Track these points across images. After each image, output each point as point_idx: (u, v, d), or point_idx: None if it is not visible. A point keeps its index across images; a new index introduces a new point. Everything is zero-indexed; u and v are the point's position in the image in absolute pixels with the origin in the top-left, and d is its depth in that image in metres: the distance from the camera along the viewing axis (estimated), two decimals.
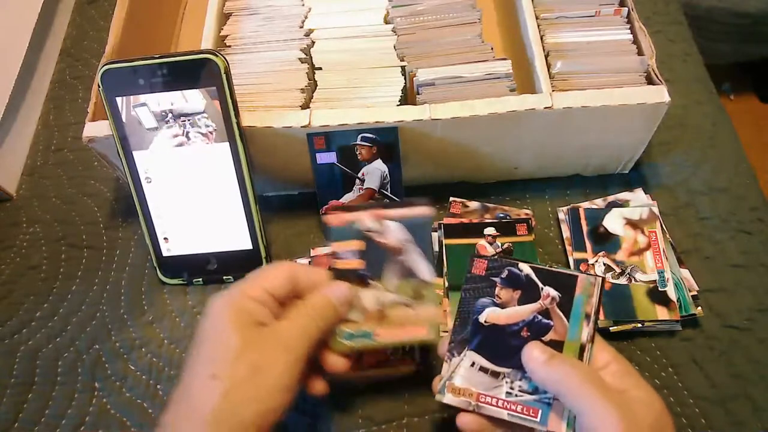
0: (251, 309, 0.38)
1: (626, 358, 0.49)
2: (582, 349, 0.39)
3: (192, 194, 0.52)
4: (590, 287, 0.41)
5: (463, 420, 0.40)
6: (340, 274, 0.44)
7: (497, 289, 0.42)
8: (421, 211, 0.45)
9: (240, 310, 0.38)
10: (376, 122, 0.50)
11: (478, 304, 0.41)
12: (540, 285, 0.41)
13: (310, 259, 0.54)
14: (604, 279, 0.41)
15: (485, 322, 0.41)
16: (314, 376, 0.42)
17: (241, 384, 0.35)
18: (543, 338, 0.40)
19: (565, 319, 0.40)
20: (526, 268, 0.42)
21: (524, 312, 0.41)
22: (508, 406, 0.39)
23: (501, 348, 0.40)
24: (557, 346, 0.39)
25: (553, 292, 0.41)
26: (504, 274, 0.42)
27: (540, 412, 0.39)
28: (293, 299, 0.41)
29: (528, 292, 0.41)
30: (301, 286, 0.41)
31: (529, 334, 0.40)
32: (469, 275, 0.42)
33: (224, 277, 0.54)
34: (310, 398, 0.49)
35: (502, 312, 0.41)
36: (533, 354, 0.39)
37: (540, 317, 0.40)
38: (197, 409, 0.35)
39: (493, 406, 0.39)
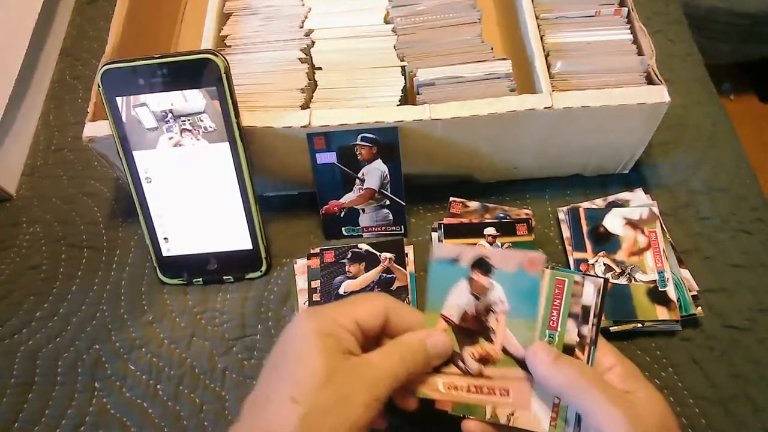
0: (340, 336, 0.36)
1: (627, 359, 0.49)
2: (565, 343, 0.40)
3: (192, 194, 0.52)
4: (572, 285, 0.41)
5: (468, 427, 0.40)
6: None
7: (347, 266, 0.52)
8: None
9: (328, 336, 0.36)
10: (376, 122, 0.50)
11: (335, 281, 0.51)
12: (378, 253, 0.52)
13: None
14: (606, 281, 0.41)
15: (344, 292, 0.51)
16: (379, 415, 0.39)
17: (321, 413, 0.33)
18: (391, 288, 0.50)
19: (403, 269, 0.51)
20: (364, 246, 0.52)
21: (371, 275, 0.51)
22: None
23: None
24: (404, 290, 0.50)
25: (389, 255, 0.52)
26: (349, 255, 0.52)
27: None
28: (382, 336, 0.39)
29: (370, 262, 0.52)
30: (393, 323, 0.39)
31: (380, 288, 0.51)
32: (322, 265, 0.52)
33: (224, 277, 0.54)
34: None
35: (354, 281, 0.51)
36: (538, 355, 0.39)
37: (384, 275, 0.51)
38: (272, 430, 0.33)
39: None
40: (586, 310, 0.41)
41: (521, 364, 0.40)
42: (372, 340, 0.39)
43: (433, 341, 0.39)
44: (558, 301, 0.41)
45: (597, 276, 0.42)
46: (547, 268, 0.42)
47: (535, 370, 0.39)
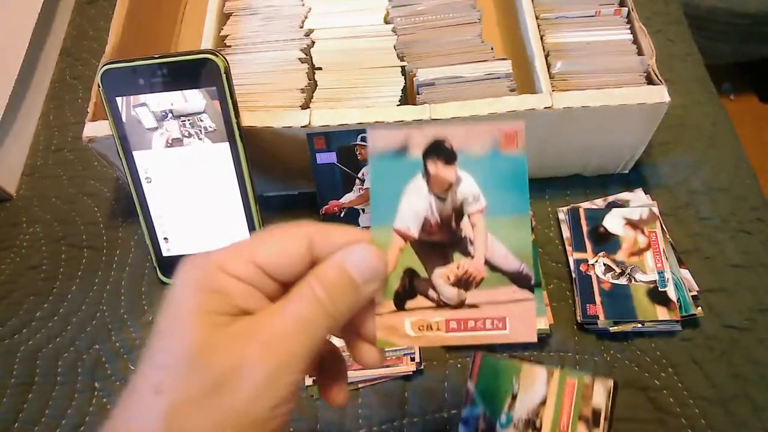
0: (228, 290, 0.26)
1: (626, 360, 0.49)
2: None
3: (192, 194, 0.52)
4: (582, 388, 0.41)
5: None
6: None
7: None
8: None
9: (210, 293, 0.26)
10: (376, 122, 0.50)
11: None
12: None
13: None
14: (616, 384, 0.41)
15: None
16: (335, 381, 0.30)
17: (195, 405, 0.24)
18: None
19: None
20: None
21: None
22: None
23: None
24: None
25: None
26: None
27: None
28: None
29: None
30: (323, 256, 0.27)
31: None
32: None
33: None
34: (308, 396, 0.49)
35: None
36: None
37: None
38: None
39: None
40: (596, 413, 0.40)
41: (516, 278, 0.30)
42: (293, 280, 0.27)
43: (356, 261, 0.27)
44: (568, 404, 0.39)
45: (606, 378, 0.42)
46: (556, 368, 0.41)
47: None
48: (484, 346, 0.44)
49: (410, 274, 0.30)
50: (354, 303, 0.27)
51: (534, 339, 0.29)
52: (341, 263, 0.27)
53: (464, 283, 0.30)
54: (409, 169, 0.30)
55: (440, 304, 0.30)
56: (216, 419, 0.24)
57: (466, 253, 0.30)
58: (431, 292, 0.30)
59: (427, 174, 0.30)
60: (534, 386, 0.40)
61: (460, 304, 0.30)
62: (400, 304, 0.30)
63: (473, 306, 0.30)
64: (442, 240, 0.30)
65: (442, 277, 0.30)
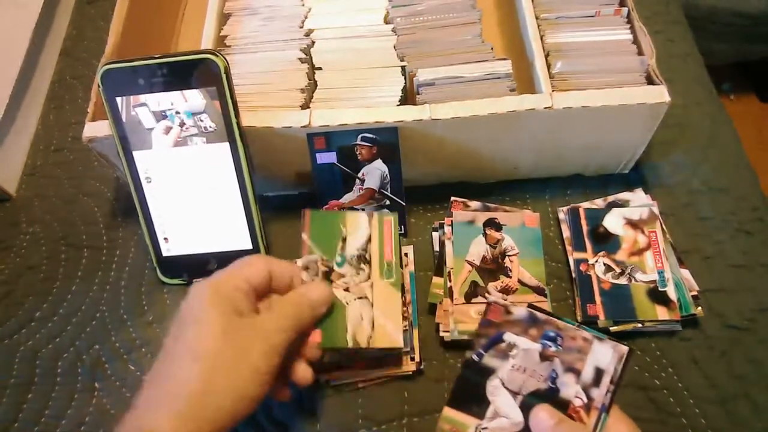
0: (234, 297, 0.39)
1: None
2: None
3: (192, 194, 0.52)
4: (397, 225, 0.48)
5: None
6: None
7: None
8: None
9: (224, 298, 0.39)
10: (376, 122, 0.50)
11: None
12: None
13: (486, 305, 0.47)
14: (631, 351, 0.41)
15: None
16: (281, 385, 0.43)
17: (222, 369, 0.36)
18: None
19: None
20: None
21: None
22: None
23: None
24: None
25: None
26: None
27: None
28: (268, 293, 0.43)
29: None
30: (276, 277, 0.43)
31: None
32: None
33: None
34: (308, 396, 0.49)
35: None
36: (540, 416, 0.39)
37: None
38: (175, 391, 0.35)
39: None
40: (599, 372, 0.41)
41: (535, 290, 0.50)
42: (262, 297, 0.42)
43: (312, 293, 0.43)
44: (388, 236, 0.48)
45: (619, 343, 0.42)
46: (374, 211, 0.49)
47: (535, 430, 0.40)
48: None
49: (474, 284, 0.51)
50: (311, 318, 0.43)
51: None
52: (305, 293, 0.43)
53: (506, 290, 0.51)
54: (476, 231, 0.53)
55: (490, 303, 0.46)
56: (234, 379, 0.36)
57: (507, 276, 0.51)
58: (486, 295, 0.50)
59: (485, 234, 0.53)
60: (359, 229, 0.48)
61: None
62: (468, 300, 0.50)
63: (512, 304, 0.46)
64: (493, 268, 0.52)
65: (493, 287, 0.51)
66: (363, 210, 0.54)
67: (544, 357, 0.42)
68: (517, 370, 0.42)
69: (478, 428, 0.40)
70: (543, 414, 0.39)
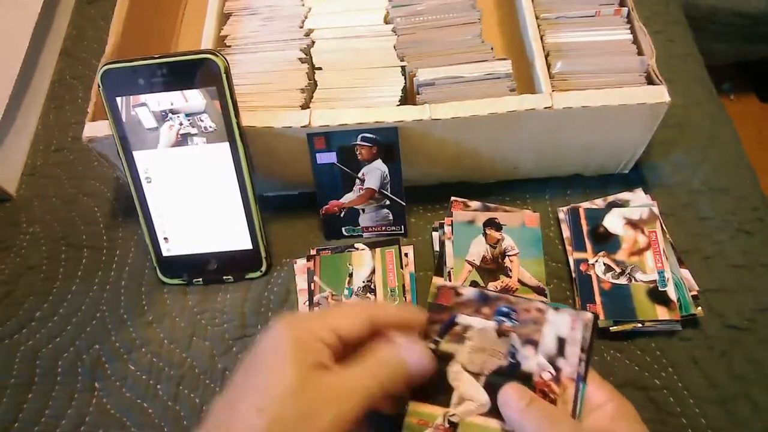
0: (315, 348, 0.35)
1: (626, 360, 0.49)
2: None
3: (192, 194, 0.52)
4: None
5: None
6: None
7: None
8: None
9: (304, 348, 0.35)
10: (376, 122, 0.50)
11: None
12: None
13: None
14: (596, 318, 0.40)
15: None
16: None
17: (287, 426, 0.33)
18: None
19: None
20: (361, 246, 0.55)
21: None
22: None
23: None
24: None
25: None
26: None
27: None
28: (372, 339, 0.38)
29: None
30: (381, 325, 0.38)
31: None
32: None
33: (224, 277, 0.54)
34: None
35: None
36: (509, 395, 0.37)
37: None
38: None
39: None
40: (561, 341, 0.39)
41: (535, 290, 0.51)
42: (356, 347, 0.37)
43: (413, 359, 0.37)
44: (390, 266, 0.52)
45: (581, 311, 0.41)
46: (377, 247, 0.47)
47: (505, 412, 0.37)
48: None
49: (474, 284, 0.51)
50: (404, 384, 0.37)
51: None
52: (404, 358, 0.37)
53: (506, 290, 0.51)
54: (476, 231, 0.54)
55: None
56: None
57: (507, 275, 0.52)
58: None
59: (485, 234, 0.53)
60: (364, 264, 0.53)
61: None
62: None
63: None
64: (493, 268, 0.52)
65: (493, 286, 0.51)
66: (366, 248, 0.54)
67: (501, 333, 0.40)
68: (475, 351, 0.40)
69: (446, 416, 0.38)
70: (511, 394, 0.37)
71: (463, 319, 0.41)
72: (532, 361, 0.39)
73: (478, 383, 0.39)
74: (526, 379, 0.38)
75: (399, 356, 0.37)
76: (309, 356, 0.34)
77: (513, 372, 0.39)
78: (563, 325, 0.40)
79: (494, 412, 0.38)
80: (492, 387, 0.39)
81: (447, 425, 0.38)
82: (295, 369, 0.34)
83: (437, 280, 0.51)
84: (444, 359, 0.40)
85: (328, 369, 0.35)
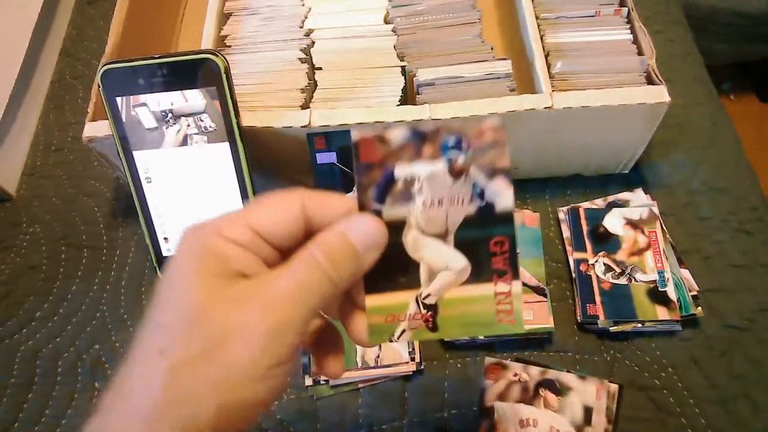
0: (227, 254, 0.26)
1: (626, 360, 0.49)
2: None
3: (192, 194, 0.52)
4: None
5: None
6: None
7: None
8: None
9: (209, 256, 0.26)
10: (376, 122, 0.50)
11: None
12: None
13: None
14: (620, 388, 0.40)
15: None
16: (326, 352, 0.30)
17: (197, 362, 0.24)
18: None
19: None
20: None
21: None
22: None
23: None
24: None
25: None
26: None
27: None
28: (309, 238, 0.28)
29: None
30: (317, 222, 0.28)
31: None
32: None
33: None
34: (308, 396, 0.49)
35: None
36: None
37: None
38: (135, 398, 0.25)
39: None
40: (588, 411, 0.40)
41: (536, 290, 0.50)
42: (291, 251, 0.27)
43: (358, 230, 0.27)
44: None
45: (605, 381, 0.41)
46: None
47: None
48: (486, 346, 0.51)
49: None
50: (354, 271, 0.28)
51: (550, 323, 0.49)
52: (343, 231, 0.27)
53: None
54: None
55: None
56: (215, 377, 0.24)
57: None
58: None
59: None
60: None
61: None
62: None
63: None
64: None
65: None
66: None
67: (456, 172, 0.30)
68: (431, 206, 0.30)
69: (419, 299, 0.30)
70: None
71: (402, 170, 0.30)
72: (508, 192, 0.30)
73: (447, 245, 0.30)
74: (507, 220, 0.31)
75: (340, 233, 0.27)
76: (218, 265, 0.26)
77: (488, 216, 0.30)
78: (589, 394, 0.39)
79: (479, 275, 0.30)
80: (467, 245, 0.30)
81: (423, 311, 0.30)
82: (200, 286, 0.25)
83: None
84: (395, 229, 0.30)
85: (244, 278, 0.26)
